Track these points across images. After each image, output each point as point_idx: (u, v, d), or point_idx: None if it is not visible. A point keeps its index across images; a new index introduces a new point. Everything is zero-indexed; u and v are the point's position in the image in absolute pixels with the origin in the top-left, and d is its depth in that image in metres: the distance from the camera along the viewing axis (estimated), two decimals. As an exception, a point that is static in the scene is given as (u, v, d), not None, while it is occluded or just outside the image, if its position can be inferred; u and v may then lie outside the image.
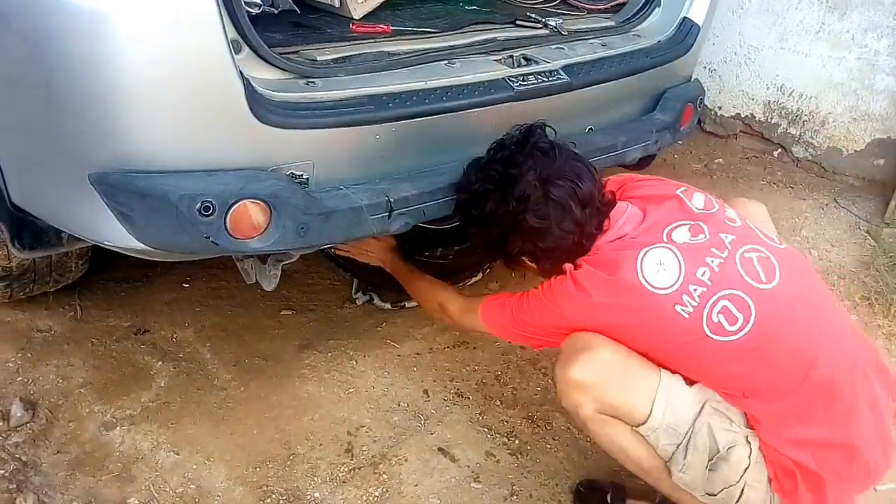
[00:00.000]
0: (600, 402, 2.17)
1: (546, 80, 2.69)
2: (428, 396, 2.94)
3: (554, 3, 3.45)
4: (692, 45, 3.17)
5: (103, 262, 3.15)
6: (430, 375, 3.03)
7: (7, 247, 2.54)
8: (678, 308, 2.11)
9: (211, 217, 1.96)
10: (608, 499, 2.57)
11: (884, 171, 4.54)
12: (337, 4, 2.90)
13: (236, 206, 1.99)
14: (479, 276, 3.61)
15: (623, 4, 3.33)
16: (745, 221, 2.31)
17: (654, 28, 3.20)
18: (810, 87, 4.61)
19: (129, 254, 2.23)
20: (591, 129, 2.94)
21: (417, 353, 3.14)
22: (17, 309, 3.09)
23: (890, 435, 2.22)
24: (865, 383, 2.18)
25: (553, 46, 2.89)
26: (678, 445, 2.16)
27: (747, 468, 2.14)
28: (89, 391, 2.80)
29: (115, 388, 2.83)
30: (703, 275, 2.13)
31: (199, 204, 1.94)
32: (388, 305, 3.40)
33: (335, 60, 2.40)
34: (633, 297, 2.15)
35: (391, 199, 2.30)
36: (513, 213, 2.25)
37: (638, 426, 2.17)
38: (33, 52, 1.95)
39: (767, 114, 4.80)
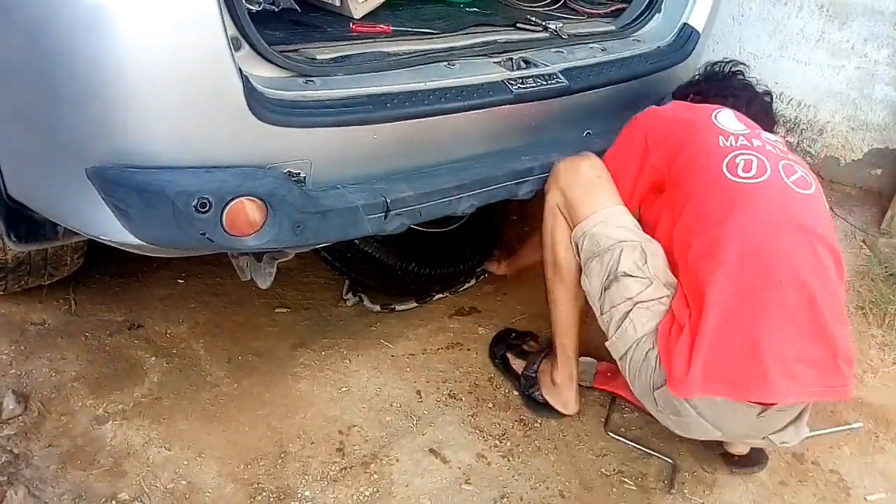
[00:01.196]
0: (565, 196, 2.64)
1: (545, 83, 2.69)
2: (420, 397, 2.94)
3: (555, 7, 3.45)
4: (692, 51, 3.17)
5: (99, 256, 3.14)
6: (423, 376, 3.03)
7: (3, 239, 2.54)
8: (720, 138, 2.50)
9: (207, 214, 1.96)
10: (512, 336, 3.21)
11: (881, 181, 4.54)
12: (337, 4, 2.90)
13: (233, 203, 1.98)
14: (473, 281, 3.62)
15: (623, 9, 3.33)
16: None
17: (655, 33, 3.21)
18: (809, 96, 4.61)
19: (124, 248, 2.23)
20: (588, 133, 2.95)
21: (411, 354, 3.14)
22: (12, 302, 3.09)
23: (805, 373, 2.29)
24: (808, 307, 2.29)
25: (553, 50, 2.90)
26: (593, 254, 2.53)
27: (632, 299, 2.43)
28: (82, 385, 2.79)
29: (107, 382, 2.82)
30: (753, 141, 2.50)
31: (196, 200, 1.94)
32: (377, 308, 3.41)
33: (334, 59, 2.40)
34: (701, 114, 2.62)
35: (388, 200, 2.30)
36: None
37: (575, 225, 2.60)
38: (33, 44, 1.95)
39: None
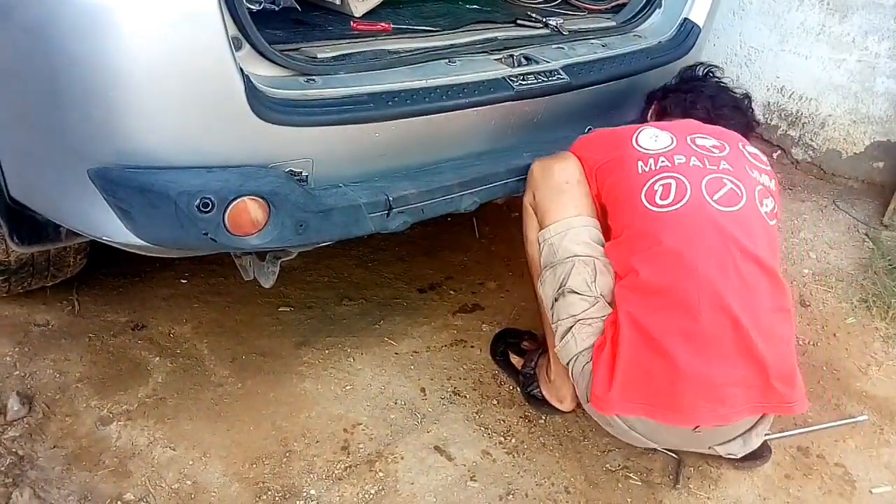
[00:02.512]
0: (534, 197, 2.64)
1: (546, 79, 2.70)
2: (425, 395, 2.94)
3: (555, 3, 3.45)
4: (692, 46, 3.17)
5: (102, 257, 3.14)
6: (427, 374, 3.03)
7: (6, 241, 2.54)
8: (640, 164, 2.51)
9: (210, 213, 1.97)
10: (511, 334, 3.21)
11: (883, 174, 4.54)
12: (338, 2, 2.90)
13: (235, 202, 1.99)
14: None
15: (624, 5, 3.33)
16: (753, 180, 2.56)
17: (655, 29, 3.21)
18: (810, 90, 4.61)
19: (127, 249, 2.23)
20: (590, 129, 2.94)
21: (415, 352, 3.14)
22: (15, 303, 3.09)
23: (734, 395, 2.34)
24: (731, 330, 2.31)
25: (553, 46, 2.90)
26: (550, 263, 2.55)
27: (576, 316, 2.46)
28: (86, 386, 2.80)
29: (112, 383, 2.82)
30: (675, 159, 2.50)
31: (199, 200, 1.95)
32: None
33: (335, 58, 2.41)
34: (622, 140, 2.61)
35: (390, 198, 2.31)
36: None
37: (539, 230, 2.62)
38: (35, 45, 1.95)
39: (767, 115, 4.79)
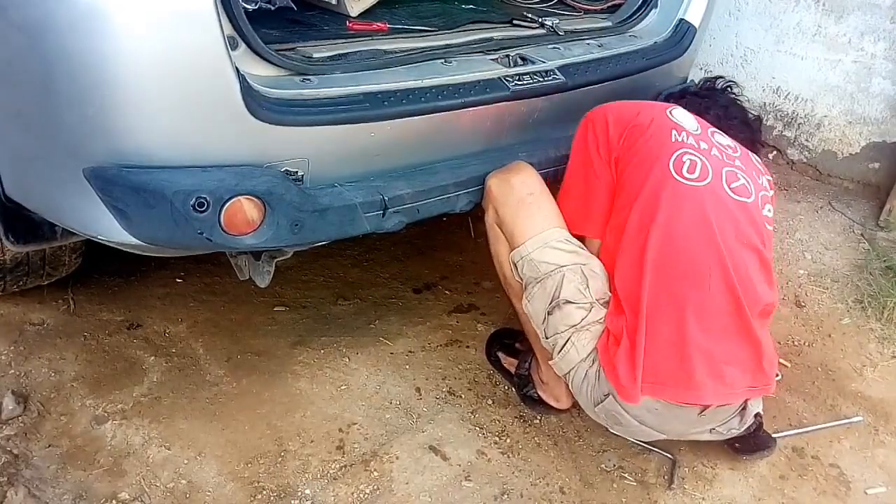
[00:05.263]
0: (498, 214, 2.60)
1: (542, 79, 2.69)
2: (420, 395, 2.94)
3: (551, 3, 3.44)
4: (688, 47, 3.17)
5: (97, 256, 3.14)
6: (422, 374, 3.03)
7: (0, 240, 2.54)
8: (674, 132, 2.52)
9: (205, 213, 1.96)
10: (505, 336, 3.19)
11: (878, 175, 4.54)
12: (334, 2, 2.90)
13: (231, 202, 1.99)
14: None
15: (620, 5, 3.33)
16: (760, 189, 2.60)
17: (651, 29, 3.20)
18: (806, 90, 4.61)
19: (122, 248, 2.23)
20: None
21: (410, 352, 3.14)
22: (10, 302, 3.09)
23: (732, 374, 2.40)
24: (735, 309, 2.39)
25: (549, 46, 2.90)
26: (534, 279, 2.52)
27: (576, 326, 2.45)
28: (81, 385, 2.79)
29: (107, 382, 2.82)
30: (700, 143, 2.53)
31: (194, 200, 1.94)
32: None
33: (331, 58, 2.40)
34: (657, 108, 2.63)
35: (386, 197, 2.31)
36: None
37: (513, 248, 2.58)
38: (30, 44, 1.95)
39: (763, 116, 4.78)
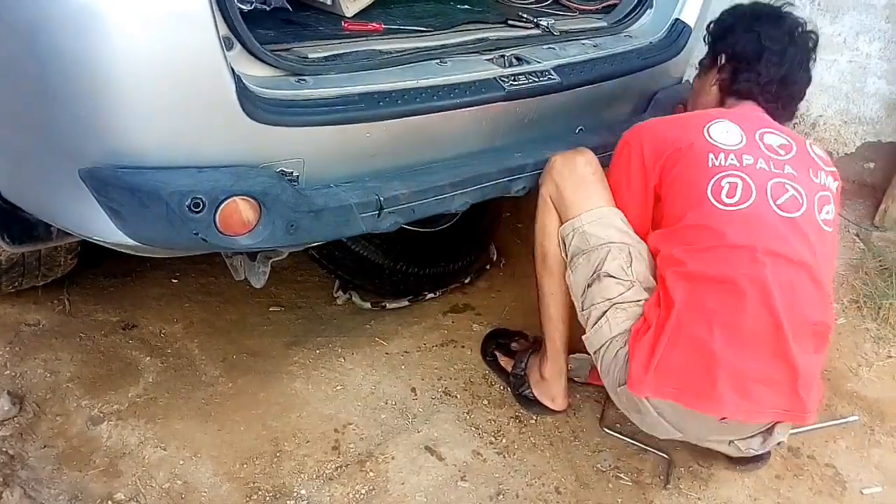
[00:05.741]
0: (556, 187, 2.64)
1: (537, 80, 2.69)
2: (415, 395, 2.94)
3: (546, 4, 3.44)
4: (684, 47, 3.17)
5: (92, 256, 3.14)
6: (417, 374, 3.04)
7: (-4, 241, 2.54)
8: (711, 156, 2.45)
9: (200, 213, 1.96)
10: (501, 335, 3.25)
11: (874, 175, 4.55)
12: (329, 2, 2.89)
13: (226, 202, 1.98)
14: (466, 279, 3.62)
15: (615, 5, 3.33)
16: (813, 182, 2.52)
17: (646, 29, 3.20)
18: (801, 90, 4.61)
19: (118, 249, 2.23)
20: (581, 129, 2.95)
21: (405, 352, 3.14)
22: (6, 303, 3.09)
23: (761, 393, 2.34)
24: (773, 330, 2.31)
25: (545, 46, 2.89)
26: (581, 250, 2.56)
27: (612, 300, 2.47)
28: (77, 385, 2.79)
29: (102, 382, 2.82)
30: (744, 159, 2.44)
31: (189, 200, 1.94)
32: (367, 305, 3.42)
33: (326, 58, 2.40)
34: (693, 130, 2.53)
35: (381, 198, 2.30)
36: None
37: (565, 221, 2.62)
38: (24, 45, 1.94)
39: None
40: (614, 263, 2.48)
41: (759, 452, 2.57)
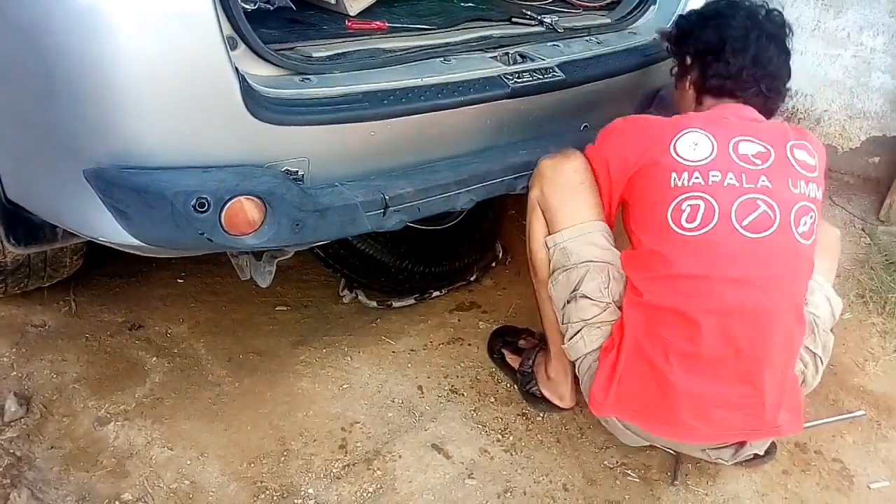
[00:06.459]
0: (543, 195, 2.60)
1: (541, 77, 2.69)
2: (422, 393, 2.94)
3: (550, 1, 3.44)
4: (687, 43, 3.16)
5: (98, 257, 3.14)
6: (424, 372, 3.03)
7: (2, 242, 2.54)
8: (673, 175, 2.37)
9: (206, 213, 1.96)
10: (508, 333, 3.22)
11: (879, 169, 4.55)
12: (333, 1, 2.89)
13: (231, 202, 1.98)
14: (472, 277, 3.62)
15: (619, 2, 3.32)
16: (792, 188, 2.44)
17: (650, 25, 3.20)
18: (806, 85, 4.61)
19: (123, 249, 2.23)
20: (586, 126, 2.95)
21: (412, 350, 3.14)
22: (12, 304, 3.09)
23: (725, 417, 2.37)
24: (733, 356, 2.32)
25: (549, 44, 2.89)
26: (562, 266, 2.54)
27: (587, 321, 2.48)
28: (83, 386, 2.80)
29: (109, 383, 2.82)
30: (710, 176, 2.36)
31: (195, 200, 1.94)
32: (373, 304, 3.41)
33: (330, 57, 2.40)
34: (659, 144, 2.43)
35: (386, 196, 2.30)
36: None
37: (551, 230, 2.59)
38: (29, 46, 1.95)
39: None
40: (592, 284, 2.48)
41: (730, 463, 2.55)
